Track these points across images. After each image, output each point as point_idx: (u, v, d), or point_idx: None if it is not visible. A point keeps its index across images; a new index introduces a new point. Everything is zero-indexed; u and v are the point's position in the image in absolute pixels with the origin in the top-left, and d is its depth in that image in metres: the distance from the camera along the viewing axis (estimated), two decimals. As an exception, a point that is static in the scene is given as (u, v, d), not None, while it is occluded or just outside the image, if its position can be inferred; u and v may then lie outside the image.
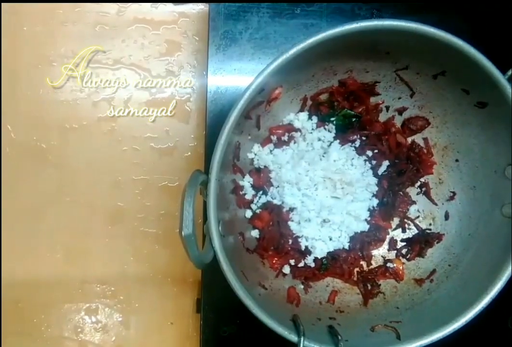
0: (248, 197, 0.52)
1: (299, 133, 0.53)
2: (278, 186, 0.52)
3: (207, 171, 0.42)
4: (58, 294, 0.63)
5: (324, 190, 0.51)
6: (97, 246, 0.63)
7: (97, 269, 0.63)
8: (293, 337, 0.42)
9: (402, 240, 0.56)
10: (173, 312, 0.64)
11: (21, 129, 0.62)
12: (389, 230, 0.56)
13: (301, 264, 0.53)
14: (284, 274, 0.53)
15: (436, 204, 0.56)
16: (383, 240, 0.56)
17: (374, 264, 0.56)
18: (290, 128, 0.53)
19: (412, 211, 0.56)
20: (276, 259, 0.53)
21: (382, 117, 0.55)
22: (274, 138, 0.53)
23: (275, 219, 0.52)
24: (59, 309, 0.63)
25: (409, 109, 0.54)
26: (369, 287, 0.54)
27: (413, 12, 0.56)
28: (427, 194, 0.56)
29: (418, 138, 0.55)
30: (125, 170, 0.63)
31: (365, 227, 0.53)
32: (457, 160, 0.54)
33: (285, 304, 0.50)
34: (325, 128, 0.53)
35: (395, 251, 0.56)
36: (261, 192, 0.53)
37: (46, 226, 0.63)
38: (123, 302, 0.64)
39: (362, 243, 0.55)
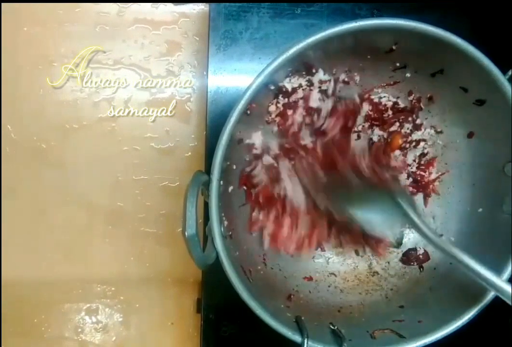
0: None
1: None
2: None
3: (208, 171, 0.42)
4: (58, 294, 0.63)
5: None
6: (97, 246, 0.63)
7: (97, 269, 0.63)
8: (297, 338, 0.42)
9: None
10: (173, 312, 0.64)
11: (21, 129, 0.62)
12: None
13: None
14: None
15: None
16: None
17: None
18: None
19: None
20: None
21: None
22: None
23: None
24: (59, 309, 0.63)
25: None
26: None
27: (414, 12, 0.56)
28: (427, 192, 0.56)
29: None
30: (125, 170, 0.63)
31: None
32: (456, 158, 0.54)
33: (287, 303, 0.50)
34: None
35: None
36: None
37: (46, 226, 0.63)
38: (124, 302, 0.64)
39: None
